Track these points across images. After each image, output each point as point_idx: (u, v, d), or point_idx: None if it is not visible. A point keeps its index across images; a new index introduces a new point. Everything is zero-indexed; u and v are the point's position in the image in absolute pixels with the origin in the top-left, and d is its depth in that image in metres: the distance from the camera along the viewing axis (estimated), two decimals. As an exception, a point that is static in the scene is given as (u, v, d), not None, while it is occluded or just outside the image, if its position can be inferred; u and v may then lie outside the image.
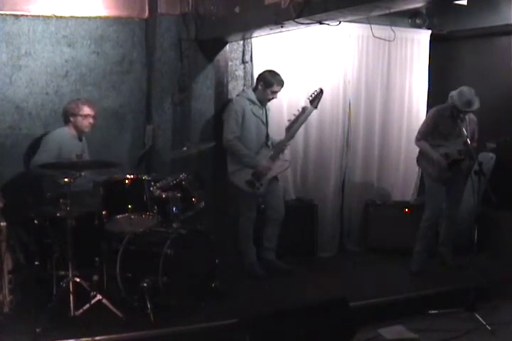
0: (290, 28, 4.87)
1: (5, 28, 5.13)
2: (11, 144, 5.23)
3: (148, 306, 4.22)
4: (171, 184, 4.71)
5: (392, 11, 4.09)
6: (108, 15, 5.48)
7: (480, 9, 6.24)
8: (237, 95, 5.52)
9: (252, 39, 5.70)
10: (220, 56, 5.69)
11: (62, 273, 4.24)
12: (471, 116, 5.42)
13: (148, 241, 4.51)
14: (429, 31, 6.52)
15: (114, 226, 4.43)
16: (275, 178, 5.43)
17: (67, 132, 5.04)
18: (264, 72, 5.36)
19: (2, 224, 4.16)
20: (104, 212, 4.40)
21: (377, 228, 6.22)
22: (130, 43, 5.59)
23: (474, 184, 4.89)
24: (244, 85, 5.86)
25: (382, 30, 5.78)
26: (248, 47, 5.81)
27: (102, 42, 5.47)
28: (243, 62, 5.85)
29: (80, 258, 4.24)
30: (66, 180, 4.15)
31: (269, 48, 5.76)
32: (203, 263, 4.55)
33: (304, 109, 5.37)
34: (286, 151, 5.57)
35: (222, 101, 5.69)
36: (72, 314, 4.06)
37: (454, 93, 5.23)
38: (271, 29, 4.96)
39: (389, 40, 5.95)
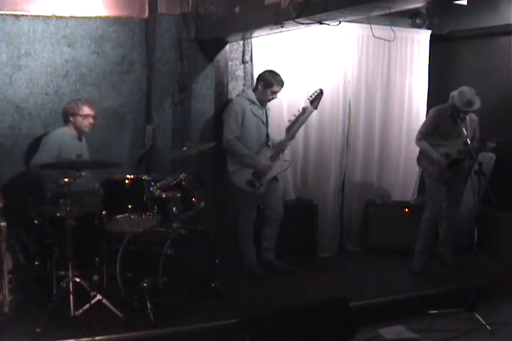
0: (290, 28, 4.87)
1: (5, 28, 5.13)
2: (11, 144, 5.23)
3: (148, 306, 4.22)
4: (171, 184, 4.71)
5: (392, 11, 4.09)
6: (108, 15, 5.48)
7: (480, 9, 6.24)
8: (237, 95, 5.52)
9: (252, 39, 5.70)
10: (220, 56, 5.69)
11: (62, 273, 4.24)
12: (472, 116, 5.42)
13: (148, 241, 4.51)
14: (429, 31, 6.52)
15: (114, 226, 4.43)
16: (275, 178, 5.43)
17: (67, 132, 5.04)
18: (264, 72, 5.36)
19: (2, 224, 4.16)
20: (104, 212, 4.40)
21: (377, 228, 6.22)
22: (130, 43, 5.59)
23: (474, 184, 4.89)
24: (244, 85, 5.86)
25: (382, 30, 5.78)
26: (248, 47, 5.81)
27: (102, 42, 5.47)
28: (243, 62, 5.85)
29: (80, 258, 4.24)
30: (66, 180, 4.15)
31: (269, 48, 5.76)
32: (203, 263, 4.55)
33: (304, 109, 5.37)
34: (286, 151, 5.57)
35: (222, 101, 5.69)
36: (72, 314, 4.06)
37: (454, 93, 5.23)
38: (271, 29, 4.96)
39: (389, 40, 5.95)
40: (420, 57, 6.50)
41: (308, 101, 5.35)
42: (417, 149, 5.64)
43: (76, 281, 4.14)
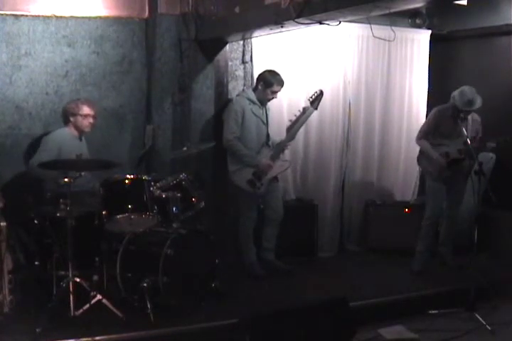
0: (290, 28, 4.87)
1: (5, 28, 5.13)
2: (11, 144, 5.23)
3: (148, 306, 4.22)
4: (171, 184, 4.71)
5: (392, 11, 4.09)
6: (108, 15, 5.48)
7: (480, 9, 6.24)
8: (237, 95, 5.52)
9: (252, 39, 5.70)
10: (220, 56, 5.69)
11: (62, 273, 4.23)
12: (474, 116, 5.43)
13: (148, 241, 4.51)
14: (429, 31, 6.52)
15: (114, 226, 4.43)
16: (275, 179, 5.43)
17: (67, 132, 5.04)
18: (264, 71, 5.36)
19: (2, 224, 4.16)
20: (104, 212, 4.40)
21: (377, 228, 6.22)
22: (130, 43, 5.59)
23: (474, 184, 4.89)
24: (244, 85, 5.86)
25: (382, 30, 5.77)
26: (248, 47, 5.81)
27: (102, 42, 5.47)
28: (243, 62, 5.85)
29: (80, 258, 4.24)
30: (66, 180, 4.15)
31: (269, 48, 5.76)
32: (203, 263, 4.55)
33: (304, 109, 5.37)
34: (286, 151, 5.57)
35: (222, 101, 5.69)
36: (72, 314, 4.06)
37: (455, 93, 5.25)
38: (271, 29, 4.96)
39: (389, 40, 5.94)
40: (420, 57, 6.50)
41: (309, 102, 5.36)
42: (417, 149, 5.65)
43: (76, 281, 4.14)
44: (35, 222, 4.44)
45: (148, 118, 5.66)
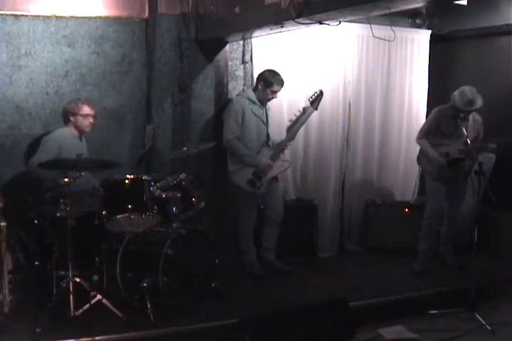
0: (290, 28, 4.87)
1: (5, 28, 5.13)
2: (11, 144, 5.22)
3: (148, 306, 4.22)
4: (171, 184, 4.70)
5: (392, 11, 4.09)
6: (108, 15, 5.48)
7: (480, 9, 6.23)
8: (237, 95, 5.52)
9: (252, 39, 5.70)
10: (220, 56, 5.69)
11: (62, 273, 4.23)
12: (475, 117, 5.44)
13: (148, 241, 4.51)
14: (429, 31, 6.52)
15: (114, 226, 4.43)
16: (275, 178, 5.43)
17: (67, 132, 5.04)
18: (264, 71, 5.36)
19: (2, 224, 4.16)
20: (104, 212, 4.40)
21: (377, 228, 6.22)
22: (130, 43, 5.59)
23: (474, 184, 4.90)
24: (244, 85, 5.86)
25: (382, 30, 5.77)
26: (248, 47, 5.81)
27: (102, 42, 5.47)
28: (243, 62, 5.85)
29: (80, 258, 4.24)
30: (66, 180, 4.15)
31: (269, 48, 5.76)
32: (203, 263, 4.55)
33: (304, 109, 5.37)
34: (286, 151, 5.57)
35: (222, 101, 5.69)
36: (72, 314, 4.06)
37: (455, 93, 5.25)
38: (271, 29, 4.96)
39: (389, 40, 5.94)
40: (420, 57, 6.50)
41: (309, 102, 5.36)
42: (417, 149, 5.65)
43: (76, 281, 4.14)
44: (35, 222, 4.44)
45: (148, 118, 5.66)
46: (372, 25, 5.22)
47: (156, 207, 4.49)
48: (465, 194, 5.56)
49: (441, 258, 5.71)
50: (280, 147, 5.38)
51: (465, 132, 5.04)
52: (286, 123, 5.50)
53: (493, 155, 5.96)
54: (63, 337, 3.90)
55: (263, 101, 5.37)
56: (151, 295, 4.25)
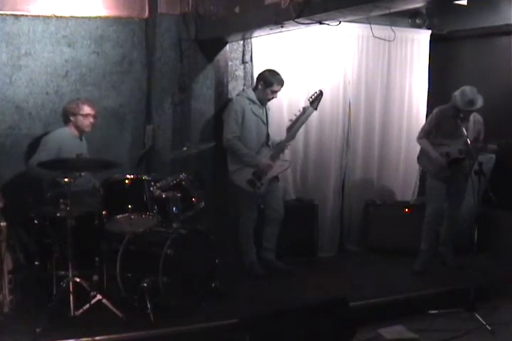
0: (290, 28, 4.87)
1: (5, 28, 5.13)
2: (11, 144, 5.22)
3: (148, 306, 4.21)
4: (171, 184, 4.70)
5: (392, 11, 4.09)
6: (108, 15, 5.48)
7: (480, 9, 6.24)
8: (237, 95, 5.53)
9: (252, 39, 5.70)
10: (220, 56, 5.69)
11: (62, 273, 4.23)
12: (477, 117, 5.44)
13: (148, 241, 4.51)
14: (429, 31, 6.52)
15: (114, 226, 4.43)
16: (276, 178, 5.43)
17: (67, 132, 5.04)
18: (264, 71, 5.36)
19: (2, 224, 4.16)
20: (104, 212, 4.40)
21: (377, 228, 6.22)
22: (130, 43, 5.59)
23: (474, 184, 4.90)
24: (244, 85, 5.86)
25: (382, 30, 5.77)
26: (248, 47, 5.81)
27: (102, 42, 5.47)
28: (243, 62, 5.85)
29: (80, 258, 4.24)
30: (66, 180, 4.15)
31: (269, 48, 5.76)
32: (203, 263, 4.55)
33: (304, 109, 5.37)
34: (286, 151, 5.57)
35: (222, 101, 5.69)
36: (72, 314, 4.06)
37: (456, 93, 5.25)
38: (271, 29, 4.96)
39: (389, 40, 5.94)
40: (420, 57, 6.50)
41: (309, 102, 5.36)
42: (417, 149, 5.66)
43: (76, 281, 4.14)
44: (35, 222, 4.44)
45: (148, 118, 5.66)
46: (372, 25, 5.23)
47: (156, 207, 4.49)
48: (465, 194, 5.56)
49: (441, 258, 5.71)
50: (280, 147, 5.38)
51: (465, 132, 5.04)
52: (286, 123, 5.50)
53: (493, 156, 5.96)
54: (63, 337, 3.90)
55: (263, 101, 5.37)
56: (151, 295, 4.24)
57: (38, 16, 5.23)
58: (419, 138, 5.53)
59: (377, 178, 6.47)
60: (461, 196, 5.58)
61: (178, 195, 4.60)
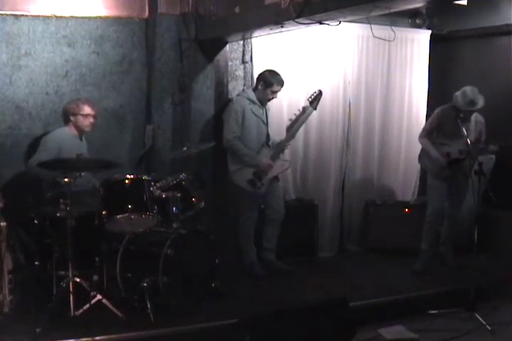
0: (290, 28, 4.87)
1: (5, 28, 5.13)
2: (11, 144, 5.23)
3: (148, 306, 4.21)
4: (171, 184, 4.71)
5: (392, 11, 4.09)
6: (108, 15, 5.48)
7: (480, 9, 6.24)
8: (237, 95, 5.53)
9: (252, 39, 5.70)
10: (220, 56, 5.69)
11: (62, 273, 4.23)
12: (478, 117, 5.44)
13: (148, 241, 4.51)
14: (429, 31, 6.52)
15: (114, 226, 4.43)
16: (276, 178, 5.43)
17: (67, 132, 5.04)
18: (264, 71, 5.36)
19: (2, 224, 4.16)
20: (104, 212, 4.40)
21: (377, 228, 6.22)
22: (130, 43, 5.59)
23: (474, 184, 4.90)
24: (244, 85, 5.86)
25: (382, 30, 5.77)
26: (248, 47, 5.81)
27: (102, 42, 5.47)
28: (243, 62, 5.85)
29: (80, 258, 4.24)
30: (66, 180, 4.15)
31: (269, 48, 5.76)
32: (203, 263, 4.55)
33: (304, 109, 5.38)
34: (286, 151, 5.57)
35: (222, 101, 5.69)
36: (72, 314, 4.06)
37: (457, 93, 5.26)
38: (271, 29, 4.96)
39: (389, 40, 5.94)
40: (420, 57, 6.50)
41: (308, 102, 5.36)
42: (417, 149, 5.66)
43: (76, 281, 4.14)
44: (35, 222, 4.44)
45: (148, 118, 5.66)
46: (372, 25, 5.22)
47: (156, 207, 4.49)
48: (465, 194, 5.56)
49: (442, 258, 5.71)
50: (280, 147, 5.38)
51: (465, 132, 5.04)
52: (286, 123, 5.50)
53: (492, 156, 5.96)
54: (63, 337, 3.90)
55: (263, 102, 5.37)
56: (151, 295, 4.24)
57: (38, 16, 5.23)
58: (421, 137, 5.53)
59: (377, 178, 6.47)
60: (461, 196, 5.58)
61: (178, 195, 4.60)
